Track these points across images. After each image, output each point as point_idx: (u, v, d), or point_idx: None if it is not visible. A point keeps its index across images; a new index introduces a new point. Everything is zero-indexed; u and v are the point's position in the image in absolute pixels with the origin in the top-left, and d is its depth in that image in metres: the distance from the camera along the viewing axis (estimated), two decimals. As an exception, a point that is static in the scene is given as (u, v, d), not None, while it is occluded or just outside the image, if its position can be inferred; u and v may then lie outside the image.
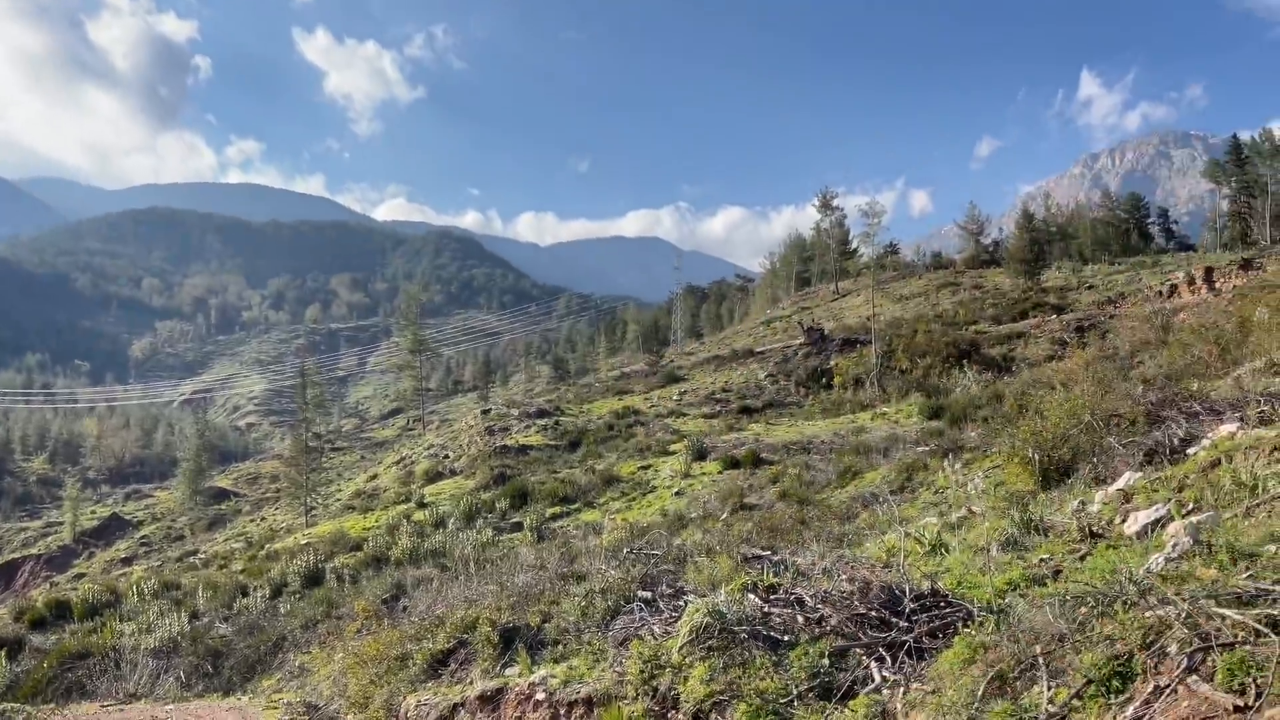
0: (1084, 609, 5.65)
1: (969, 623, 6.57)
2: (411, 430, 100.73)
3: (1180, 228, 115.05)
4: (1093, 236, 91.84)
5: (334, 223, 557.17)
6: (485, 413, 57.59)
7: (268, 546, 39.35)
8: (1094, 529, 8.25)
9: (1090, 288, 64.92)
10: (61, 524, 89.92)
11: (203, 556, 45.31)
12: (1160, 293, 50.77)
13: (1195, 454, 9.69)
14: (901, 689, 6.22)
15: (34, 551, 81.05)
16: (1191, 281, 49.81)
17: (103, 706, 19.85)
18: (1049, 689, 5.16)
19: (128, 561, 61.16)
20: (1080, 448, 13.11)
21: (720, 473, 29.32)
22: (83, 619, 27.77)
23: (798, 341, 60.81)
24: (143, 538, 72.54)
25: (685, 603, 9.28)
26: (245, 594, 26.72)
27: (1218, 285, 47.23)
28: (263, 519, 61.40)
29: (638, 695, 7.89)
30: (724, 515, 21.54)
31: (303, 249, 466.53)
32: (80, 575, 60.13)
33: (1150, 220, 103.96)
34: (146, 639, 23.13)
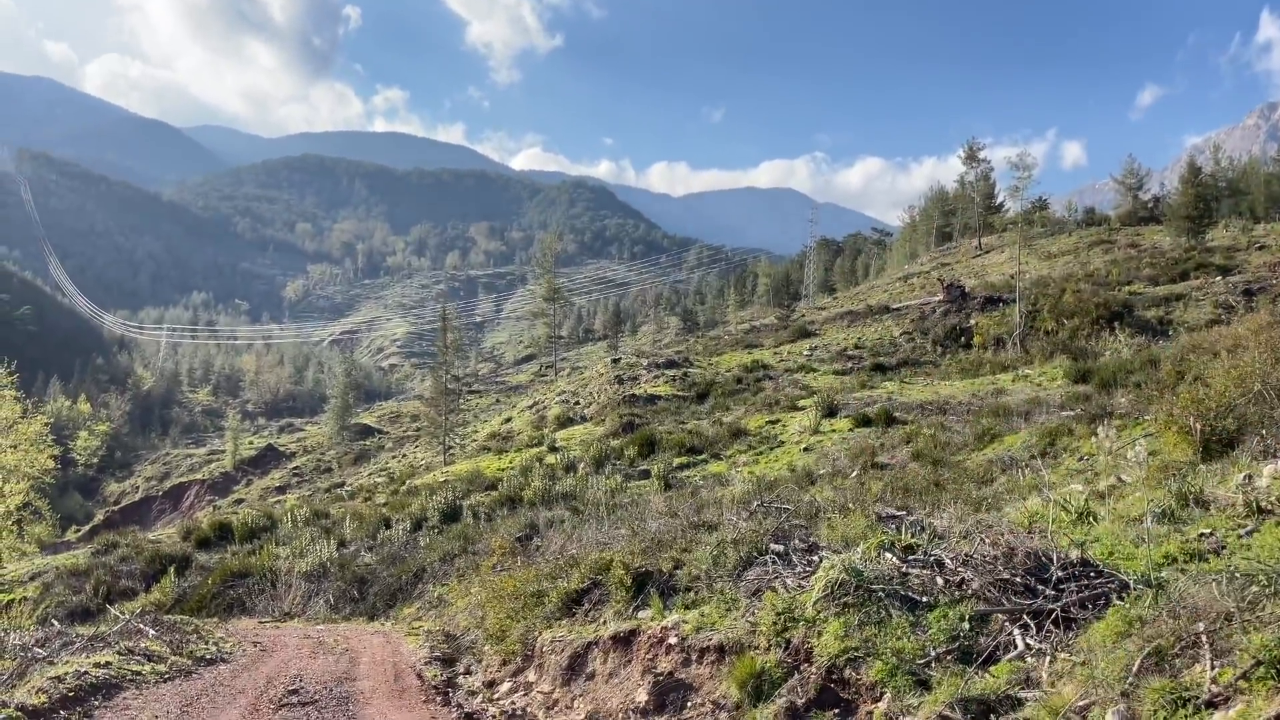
0: (1254, 588, 5.35)
1: (1123, 595, 6.32)
2: (544, 376, 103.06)
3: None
4: (1266, 193, 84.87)
5: (473, 171, 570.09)
6: (615, 362, 58.34)
7: (408, 482, 41.17)
8: (1262, 504, 7.76)
9: (1262, 248, 60.20)
10: (223, 452, 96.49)
11: (349, 489, 47.82)
12: (1344, 255, 46.71)
13: (1383, 430, 8.96)
14: (1047, 658, 6.05)
15: (199, 476, 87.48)
16: (1382, 243, 45.59)
17: (260, 623, 21.37)
18: (1212, 668, 4.93)
19: (282, 490, 65.21)
20: (1248, 419, 12.29)
21: (851, 430, 28.86)
22: (242, 541, 29.84)
23: (936, 298, 58.91)
24: (295, 468, 77.11)
25: (819, 558, 9.26)
26: (388, 526, 28.04)
27: None
28: (404, 456, 64.21)
29: (770, 646, 7.94)
30: (854, 473, 21.24)
31: (443, 197, 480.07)
32: (239, 500, 64.60)
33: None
34: (299, 563, 24.66)
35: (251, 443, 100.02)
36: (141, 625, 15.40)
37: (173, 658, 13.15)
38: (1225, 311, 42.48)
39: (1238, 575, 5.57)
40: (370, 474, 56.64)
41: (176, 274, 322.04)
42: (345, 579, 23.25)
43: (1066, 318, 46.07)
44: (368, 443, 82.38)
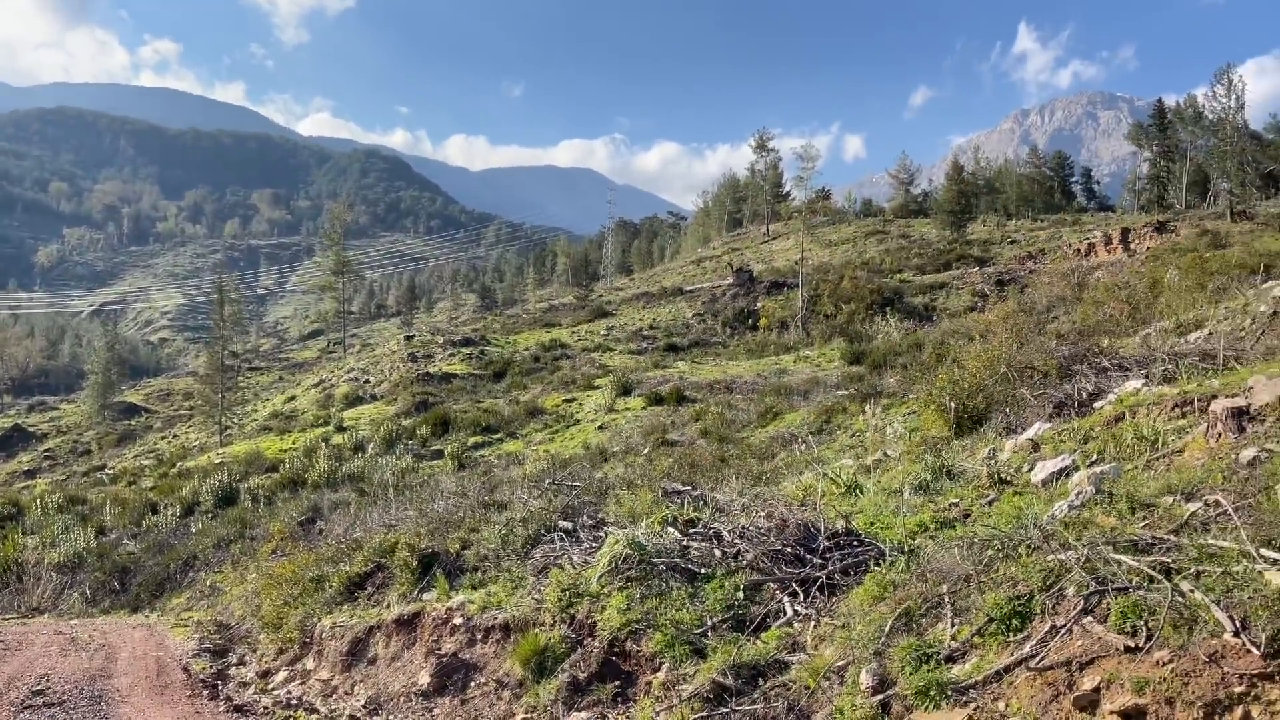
0: (990, 551, 5.87)
1: (880, 562, 6.79)
2: (332, 353, 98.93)
3: (1102, 188, 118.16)
4: (1019, 192, 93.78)
5: (256, 134, 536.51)
6: (409, 339, 56.81)
7: (179, 464, 38.52)
8: (1003, 476, 8.54)
9: (1013, 243, 66.44)
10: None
11: (110, 472, 44.15)
12: (1079, 250, 52.29)
13: (1102, 408, 10.06)
14: (812, 623, 6.42)
15: (-71, 461, 77.99)
16: (1108, 241, 51.37)
17: (3, 619, 19.36)
18: (953, 626, 5.38)
19: (30, 474, 59.19)
20: (994, 398, 13.50)
21: (644, 409, 29.52)
22: (-17, 531, 26.92)
23: (726, 282, 61.16)
24: (47, 450, 70.17)
25: (605, 534, 9.39)
26: (155, 511, 26.20)
27: (1133, 246, 48.83)
28: (175, 436, 59.95)
29: (555, 622, 7.99)
30: (646, 450, 21.74)
31: (222, 160, 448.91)
32: (-21, 487, 58.09)
33: (1074, 179, 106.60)
34: (51, 553, 22.62)
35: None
36: None
37: (-111, 665, 11.68)
38: (980, 299, 46.59)
39: (977, 540, 6.10)
40: (136, 456, 52.47)
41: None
42: (105, 569, 21.56)
43: (844, 303, 49.03)
44: (133, 422, 76.18)
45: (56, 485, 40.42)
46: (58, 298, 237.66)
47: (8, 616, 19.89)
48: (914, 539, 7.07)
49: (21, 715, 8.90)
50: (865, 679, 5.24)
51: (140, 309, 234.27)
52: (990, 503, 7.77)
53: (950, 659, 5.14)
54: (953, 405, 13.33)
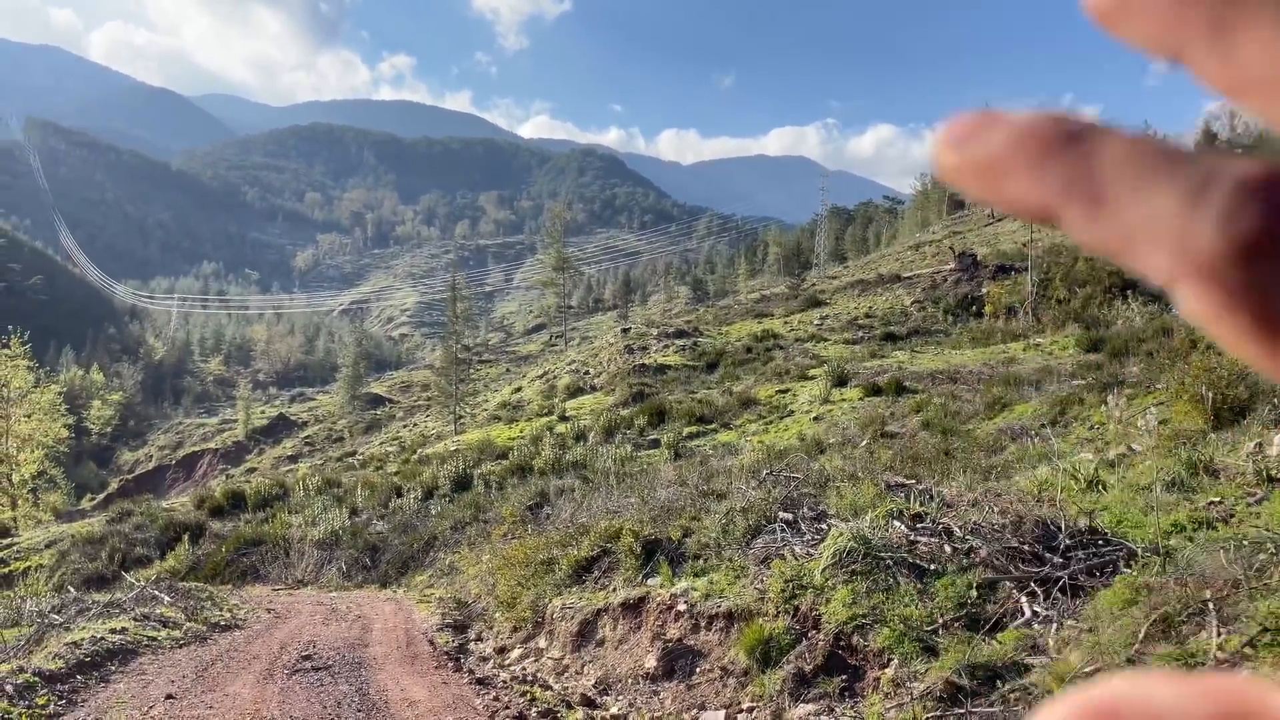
0: (1262, 555, 5.36)
1: (1131, 563, 6.34)
2: (554, 346, 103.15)
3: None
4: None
5: (481, 140, 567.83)
6: (624, 331, 58.31)
7: (419, 451, 41.38)
8: (1272, 473, 7.75)
9: (1278, 216, 59.70)
10: (235, 421, 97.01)
11: (360, 457, 48.08)
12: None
13: (1397, 399, 8.91)
14: (1054, 625, 6.08)
15: (211, 446, 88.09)
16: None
17: (274, 590, 21.60)
18: (1219, 635, 4.95)
19: (293, 459, 65.62)
20: (1259, 387, 12.24)
21: (860, 400, 28.82)
22: (255, 509, 30.09)
23: (948, 267, 58.62)
24: (306, 438, 77.56)
25: (827, 526, 9.29)
26: (399, 494, 28.21)
27: None
28: (414, 425, 64.48)
29: (778, 613, 8.00)
30: (864, 442, 21.25)
31: (452, 166, 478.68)
32: (252, 469, 65.08)
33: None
34: (312, 531, 24.86)
35: (263, 412, 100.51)
36: (156, 592, 15.59)
37: (188, 624, 13.33)
38: (1239, 280, 42.12)
39: (1246, 543, 5.57)
40: (381, 443, 56.94)
41: (186, 243, 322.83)
42: (357, 547, 23.44)
43: (1079, 286, 45.76)
44: (378, 412, 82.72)
45: (315, 469, 44.53)
46: (313, 298, 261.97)
47: (278, 587, 22.16)
48: (1169, 539, 6.55)
49: (294, 677, 9.88)
50: (1117, 687, 4.92)
51: (383, 307, 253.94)
52: (1258, 502, 7.07)
53: (1217, 671, 4.73)
54: (1210, 395, 12.19)
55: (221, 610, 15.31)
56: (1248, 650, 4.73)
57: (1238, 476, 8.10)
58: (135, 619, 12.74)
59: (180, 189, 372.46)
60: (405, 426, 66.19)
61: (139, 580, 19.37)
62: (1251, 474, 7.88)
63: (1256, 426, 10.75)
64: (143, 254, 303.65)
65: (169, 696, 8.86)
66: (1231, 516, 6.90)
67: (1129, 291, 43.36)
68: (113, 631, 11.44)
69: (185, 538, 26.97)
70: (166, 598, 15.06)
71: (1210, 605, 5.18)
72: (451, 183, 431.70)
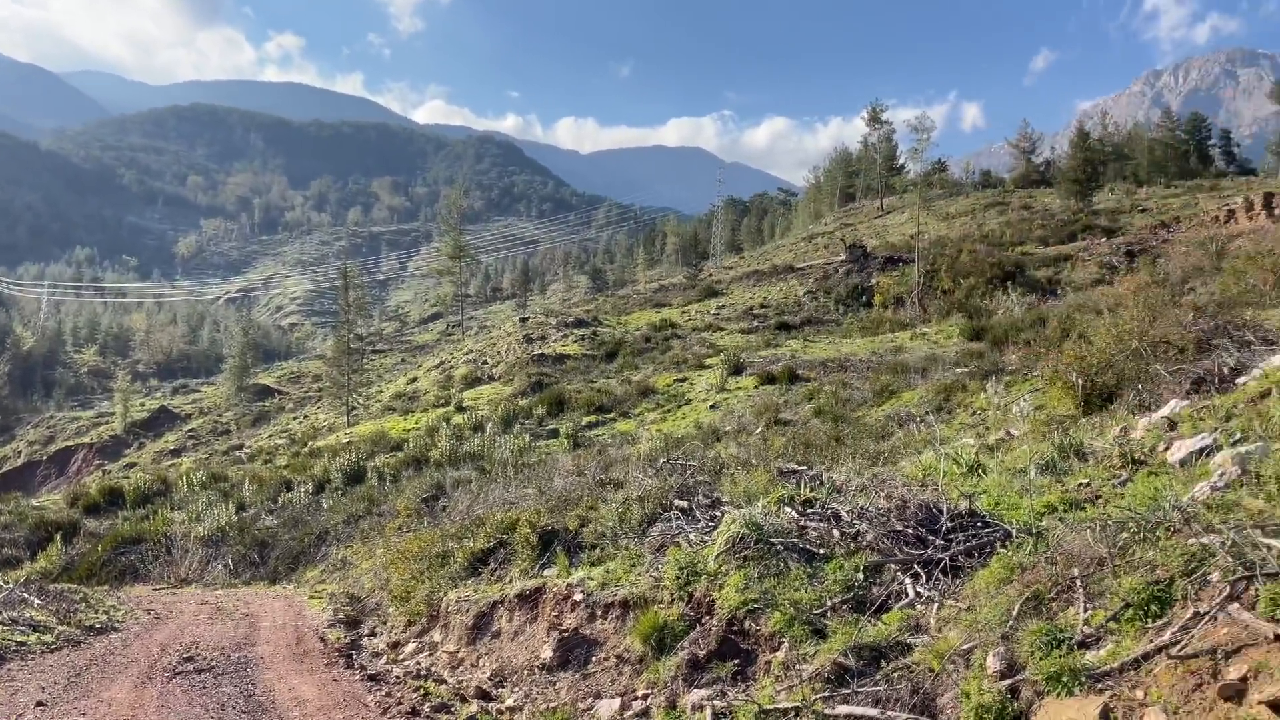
0: (1125, 534, 5.65)
1: (1006, 543, 6.62)
2: (450, 335, 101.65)
3: (1242, 151, 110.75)
4: (1150, 158, 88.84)
5: (375, 124, 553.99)
6: (523, 321, 57.93)
7: (310, 444, 40.32)
8: (1136, 456, 8.19)
9: (1144, 211, 63.09)
10: (112, 415, 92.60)
11: (248, 451, 46.56)
12: (1217, 218, 49.30)
13: (1245, 384, 9.53)
14: (936, 605, 6.31)
15: (86, 440, 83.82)
16: (1250, 207, 48.23)
17: (155, 589, 20.73)
18: (1085, 611, 5.21)
19: (176, 453, 63.05)
20: (1125, 374, 12.93)
21: (756, 388, 29.36)
22: (135, 506, 28.80)
23: (839, 259, 60.08)
24: (190, 431, 74.59)
25: (721, 513, 9.43)
26: (289, 489, 27.47)
27: (1277, 212, 45.75)
28: (305, 417, 62.78)
29: (673, 600, 8.08)
30: (759, 430, 21.64)
31: (344, 150, 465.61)
32: (131, 464, 62.20)
33: (1211, 142, 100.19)
34: (196, 527, 23.98)
35: (144, 404, 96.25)
36: (26, 595, 14.79)
37: (60, 627, 12.68)
38: (1109, 272, 44.43)
39: (1111, 523, 5.88)
40: (270, 435, 55.24)
41: (57, 228, 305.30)
42: (245, 543, 22.75)
43: (963, 277, 47.52)
44: (267, 404, 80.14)
45: (200, 463, 42.93)
46: (197, 286, 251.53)
47: (159, 587, 21.28)
48: (1041, 520, 6.87)
49: (174, 680, 9.51)
50: (992, 663, 5.14)
51: (271, 295, 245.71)
52: (1123, 483, 7.47)
53: (1083, 645, 4.99)
54: (1081, 382, 12.83)
55: (97, 612, 14.62)
56: (1112, 624, 5.00)
57: (1105, 459, 8.54)
58: (2, 623, 12.05)
59: (50, 170, 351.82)
60: (296, 418, 64.33)
61: (7, 582, 18.31)
62: (1117, 456, 8.32)
63: (1123, 411, 11.37)
64: (8, 238, 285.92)
65: (39, 704, 8.42)
66: (1099, 497, 7.27)
67: (1009, 282, 45.24)
68: (-24, 638, 10.79)
69: (58, 537, 25.62)
70: (37, 600, 14.31)
71: (1078, 582, 5.46)
72: (344, 168, 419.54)
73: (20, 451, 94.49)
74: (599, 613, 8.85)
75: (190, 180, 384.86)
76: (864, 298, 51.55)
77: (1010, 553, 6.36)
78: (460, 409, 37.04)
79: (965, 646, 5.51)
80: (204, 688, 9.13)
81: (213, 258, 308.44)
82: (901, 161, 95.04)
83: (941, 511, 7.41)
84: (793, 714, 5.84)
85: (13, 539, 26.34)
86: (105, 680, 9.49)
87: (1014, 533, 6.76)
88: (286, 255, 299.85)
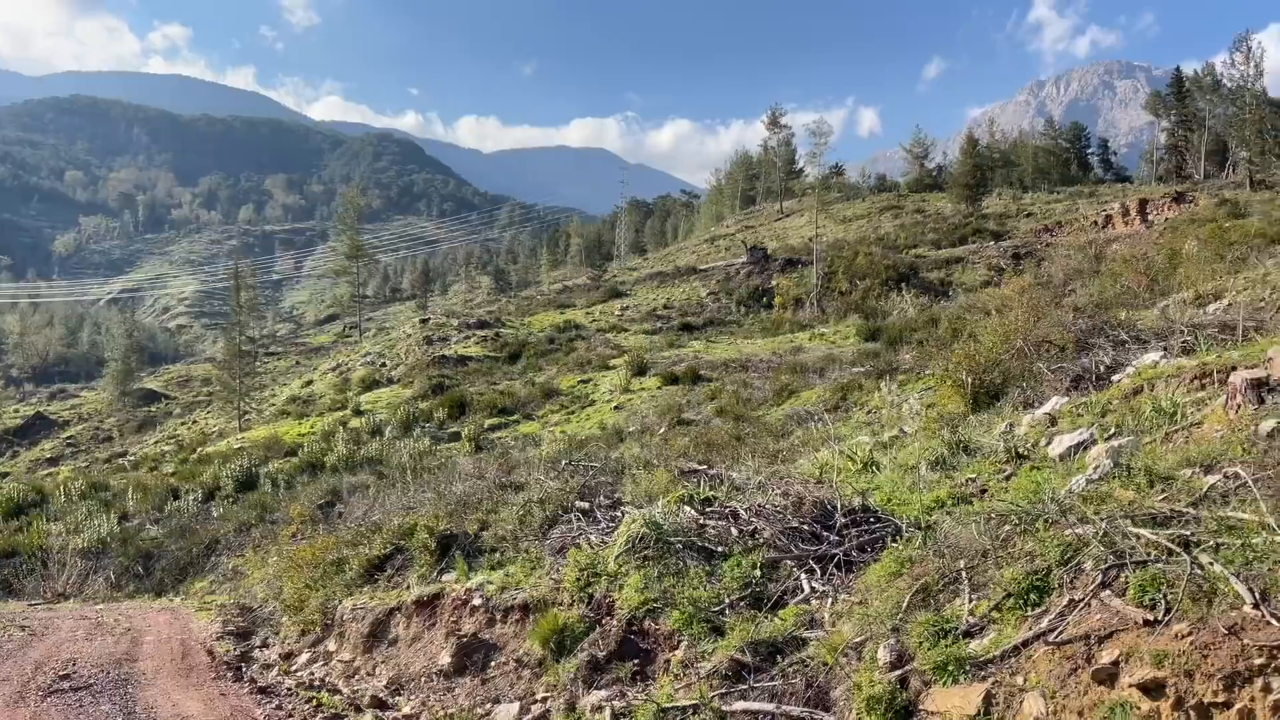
0: (1007, 526, 5.86)
1: (897, 538, 6.79)
2: (348, 337, 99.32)
3: (1119, 159, 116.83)
4: (1034, 164, 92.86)
5: (268, 120, 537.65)
6: (424, 322, 56.98)
7: (199, 450, 38.85)
8: (1020, 451, 8.50)
9: (1029, 215, 65.90)
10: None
11: (132, 458, 44.60)
12: (1096, 223, 51.85)
13: (1120, 381, 10.00)
14: (830, 600, 6.43)
15: (-46, 450, 78.87)
16: (1126, 212, 50.89)
17: (30, 605, 19.62)
18: (970, 601, 5.38)
19: (54, 461, 59.83)
20: (1011, 372, 13.44)
21: (659, 388, 29.54)
22: (8, 518, 27.23)
23: (740, 260, 60.96)
24: (69, 438, 70.88)
25: (622, 514, 9.43)
26: (177, 497, 26.43)
27: (1151, 217, 48.37)
28: (194, 422, 60.43)
29: (574, 602, 8.04)
30: (662, 430, 21.77)
31: (236, 146, 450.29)
32: (4, 474, 58.76)
33: (1090, 150, 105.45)
34: (75, 539, 22.85)
35: (17, 411, 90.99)
36: (-119, 617, 13.81)
37: (-79, 649, 11.88)
38: (997, 274, 46.25)
39: (995, 516, 6.09)
40: (157, 442, 52.95)
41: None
42: (128, 554, 21.78)
43: (859, 279, 48.79)
44: (153, 409, 76.80)
45: (79, 472, 40.88)
46: (76, 286, 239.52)
47: (34, 602, 20.15)
48: (931, 515, 7.07)
49: (49, 699, 9.02)
50: (883, 655, 5.26)
51: (158, 296, 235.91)
52: (1008, 478, 7.75)
53: (968, 634, 5.14)
54: (969, 380, 13.28)
55: (-37, 632, 13.73)
56: (994, 614, 5.18)
57: (992, 455, 8.84)
58: None
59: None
60: (184, 424, 61.84)
61: None
62: (1003, 452, 8.63)
63: (1008, 408, 11.81)
64: None
65: (-107, 733, 7.87)
66: (985, 492, 7.53)
67: (904, 284, 46.65)
68: None
69: (-79, 552, 24.03)
70: (-107, 622, 13.36)
71: (964, 574, 5.63)
72: (235, 164, 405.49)
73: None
74: (499, 617, 8.74)
75: (68, 175, 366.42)
76: (764, 299, 52.42)
77: (901, 547, 6.52)
78: (358, 412, 36.21)
79: (858, 639, 5.63)
80: (81, 706, 8.68)
81: (93, 256, 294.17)
82: (800, 165, 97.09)
83: (836, 508, 7.57)
84: (690, 712, 5.87)
85: None
86: (-29, 703, 8.93)
87: (904, 527, 6.95)
88: (174, 254, 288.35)
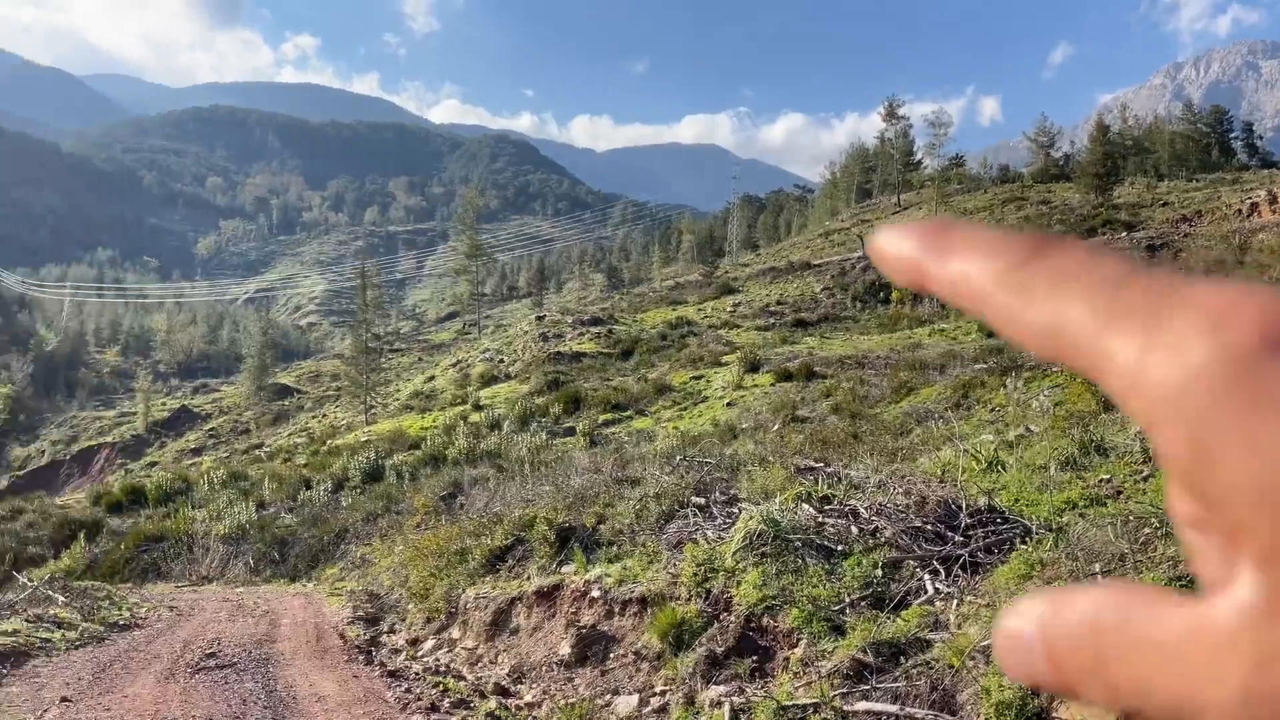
0: (1146, 530, 5.61)
1: (1026, 539, 6.58)
2: (467, 334, 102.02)
3: (1265, 144, 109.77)
4: (1171, 151, 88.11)
5: (392, 124, 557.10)
6: (539, 319, 58.04)
7: (329, 442, 40.54)
8: (1158, 451, 8.11)
9: (1165, 205, 62.57)
10: (134, 414, 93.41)
11: (267, 450, 46.87)
12: (1240, 211, 48.83)
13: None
14: (955, 601, 6.28)
15: (109, 440, 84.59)
16: (1273, 200, 47.74)
17: (177, 587, 20.90)
18: (1106, 607, 5.17)
19: (197, 452, 63.54)
20: (1148, 369, 12.82)
21: (773, 385, 29.31)
22: (157, 505, 29.04)
23: (856, 255, 59.87)
24: (211, 430, 75.12)
25: (739, 510, 9.42)
26: (309, 487, 27.60)
27: (1302, 205, 45.28)
28: (324, 416, 63.12)
29: (691, 597, 8.07)
30: (776, 427, 21.60)
31: (361, 150, 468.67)
32: (153, 464, 62.76)
33: (1233, 135, 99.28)
34: (217, 526, 24.14)
35: (164, 404, 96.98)
36: (50, 592, 14.97)
37: (84, 624, 12.80)
38: (1129, 267, 44.03)
39: (1132, 518, 5.83)
40: (290, 434, 55.58)
41: (79, 229, 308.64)
42: (265, 541, 22.87)
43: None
44: (286, 403, 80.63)
45: (220, 462, 43.25)
46: (217, 286, 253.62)
47: (180, 585, 21.46)
48: (1062, 516, 6.83)
49: (197, 676, 9.59)
50: (1012, 659, 5.11)
51: (290, 295, 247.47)
52: (1145, 478, 7.42)
53: (1104, 640, 4.95)
54: (1101, 378, 12.72)
55: (120, 609, 14.75)
56: (1133, 620, 4.97)
57: (1126, 455, 8.47)
58: (28, 620, 12.19)
59: (72, 172, 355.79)
60: (314, 417, 64.71)
61: (31, 580, 18.52)
62: (1139, 452, 8.26)
63: (1144, 406, 11.26)
64: (31, 240, 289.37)
65: (64, 699, 8.51)
66: (1120, 493, 7.22)
67: (1028, 278, 44.96)
68: (3, 634, 10.92)
69: (81, 535, 25.85)
70: (61, 598, 14.47)
71: (1099, 578, 5.42)
72: (361, 168, 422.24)
73: (44, 451, 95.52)
74: (616, 609, 8.85)
75: (209, 181, 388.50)
76: (882, 294, 51.36)
77: (1030, 549, 6.32)
78: (477, 407, 37.15)
79: (985, 643, 5.48)
80: (226, 683, 9.20)
81: (231, 258, 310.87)
82: (919, 157, 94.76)
83: (960, 508, 7.38)
84: (811, 710, 5.82)
85: (37, 537, 26.64)
86: (129, 676, 9.58)
87: (1034, 529, 6.73)
88: (304, 255, 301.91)
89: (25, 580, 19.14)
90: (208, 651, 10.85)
